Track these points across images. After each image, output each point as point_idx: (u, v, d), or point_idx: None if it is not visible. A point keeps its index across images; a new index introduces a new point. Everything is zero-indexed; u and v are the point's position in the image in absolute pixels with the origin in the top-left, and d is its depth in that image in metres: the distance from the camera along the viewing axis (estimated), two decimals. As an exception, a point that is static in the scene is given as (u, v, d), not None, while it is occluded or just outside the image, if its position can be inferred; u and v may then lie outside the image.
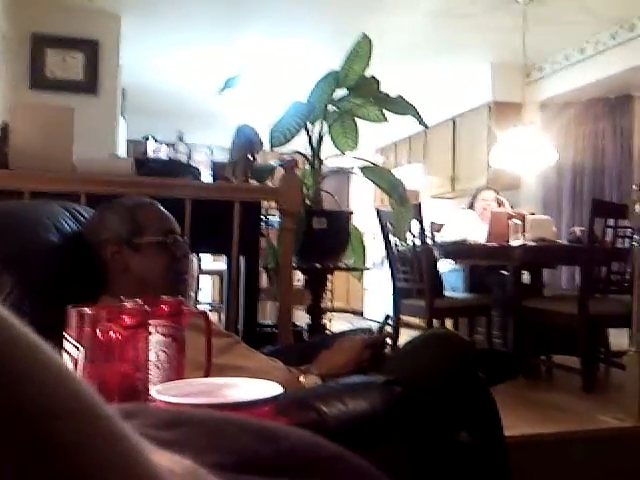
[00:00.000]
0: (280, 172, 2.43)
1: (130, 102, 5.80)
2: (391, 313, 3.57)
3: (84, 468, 0.23)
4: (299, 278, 3.27)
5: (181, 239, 1.41)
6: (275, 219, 2.87)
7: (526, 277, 3.87)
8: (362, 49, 2.94)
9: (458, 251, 4.00)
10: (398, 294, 3.76)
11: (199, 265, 4.93)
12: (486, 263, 4.07)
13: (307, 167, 3.04)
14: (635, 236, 2.78)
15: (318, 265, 2.87)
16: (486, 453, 1.39)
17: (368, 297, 7.03)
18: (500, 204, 4.54)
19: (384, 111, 3.07)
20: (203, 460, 0.31)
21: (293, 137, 2.88)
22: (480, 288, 4.02)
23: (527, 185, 5.65)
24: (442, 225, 4.66)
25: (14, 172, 2.04)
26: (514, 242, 3.60)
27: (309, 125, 2.96)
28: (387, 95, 2.91)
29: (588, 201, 4.17)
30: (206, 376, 0.94)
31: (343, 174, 4.46)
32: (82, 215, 1.47)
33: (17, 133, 2.14)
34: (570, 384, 3.20)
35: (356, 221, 3.36)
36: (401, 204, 2.90)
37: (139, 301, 0.88)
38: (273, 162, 3.00)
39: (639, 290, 2.58)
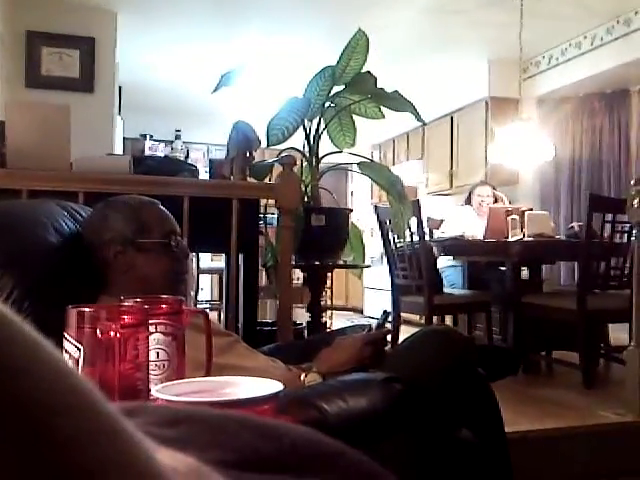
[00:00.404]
0: (278, 169, 2.42)
1: (127, 100, 5.79)
2: (390, 310, 3.57)
3: (85, 465, 0.22)
4: (298, 276, 3.26)
5: (181, 239, 1.41)
6: (273, 217, 2.86)
7: (525, 273, 3.87)
8: (359, 45, 2.93)
9: (456, 247, 4.00)
10: (397, 291, 3.76)
11: (198, 264, 4.92)
12: (485, 259, 4.07)
13: (305, 164, 3.04)
14: (633, 231, 2.78)
15: (317, 263, 2.86)
16: (487, 449, 1.39)
17: (368, 294, 7.03)
18: (497, 199, 4.54)
19: (381, 107, 3.07)
20: (205, 457, 0.31)
21: (291, 135, 2.87)
22: (479, 284, 4.03)
23: (525, 180, 5.66)
24: (441, 221, 4.67)
25: (11, 171, 2.04)
26: (512, 238, 3.60)
27: (306, 122, 2.96)
28: (384, 91, 2.90)
29: (586, 196, 4.17)
30: (207, 375, 0.94)
31: (341, 171, 4.45)
32: (80, 214, 1.46)
33: (14, 132, 2.13)
34: (570, 380, 3.20)
35: (355, 218, 3.36)
36: (399, 201, 2.89)
37: (139, 300, 0.88)
38: (271, 159, 2.99)
39: (638, 285, 2.58)
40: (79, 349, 0.71)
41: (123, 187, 1.92)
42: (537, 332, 3.54)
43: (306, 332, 2.87)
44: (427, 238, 3.71)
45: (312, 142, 2.98)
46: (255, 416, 0.40)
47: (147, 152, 7.10)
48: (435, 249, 3.97)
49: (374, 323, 1.56)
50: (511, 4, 4.39)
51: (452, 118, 6.15)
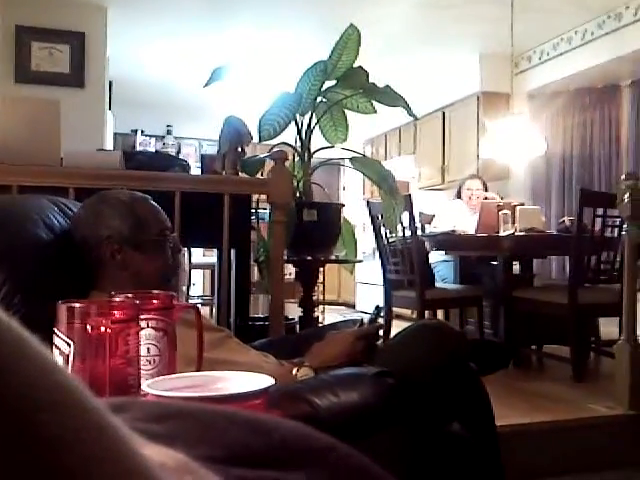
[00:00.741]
0: (270, 165, 2.42)
1: (117, 95, 5.76)
2: (382, 305, 3.58)
3: (70, 462, 0.22)
4: (290, 271, 3.26)
5: (173, 235, 1.41)
6: (265, 212, 2.86)
7: (516, 267, 3.89)
8: (351, 40, 2.93)
9: (448, 242, 4.01)
10: (389, 286, 3.77)
11: (190, 259, 4.91)
12: (476, 254, 4.09)
13: (297, 159, 3.03)
14: (624, 225, 2.79)
15: (309, 258, 2.86)
16: (478, 443, 1.40)
17: (360, 289, 7.04)
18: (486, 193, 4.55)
19: (373, 102, 3.07)
20: (194, 453, 0.31)
21: (282, 130, 2.86)
22: (470, 279, 4.04)
23: (516, 175, 5.67)
24: (432, 216, 4.67)
25: (1, 166, 2.02)
26: (503, 233, 3.62)
27: (298, 117, 2.95)
28: (376, 86, 2.90)
29: (577, 191, 4.19)
30: (198, 370, 0.94)
31: (333, 166, 4.45)
32: (70, 209, 1.45)
33: (3, 127, 2.12)
34: (561, 373, 3.22)
35: (347, 213, 3.36)
36: (391, 195, 2.89)
37: (129, 295, 0.88)
38: (262, 155, 2.99)
39: (628, 279, 2.60)
40: (69, 345, 0.71)
41: (114, 182, 1.91)
42: (528, 326, 3.56)
43: (298, 327, 2.87)
44: (419, 233, 3.72)
45: (304, 137, 2.98)
46: (244, 411, 0.40)
47: (138, 147, 7.08)
48: (427, 244, 3.98)
49: (366, 318, 1.56)
50: (502, -1, 4.40)
51: (444, 113, 6.16)
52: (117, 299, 0.85)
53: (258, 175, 2.95)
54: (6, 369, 0.22)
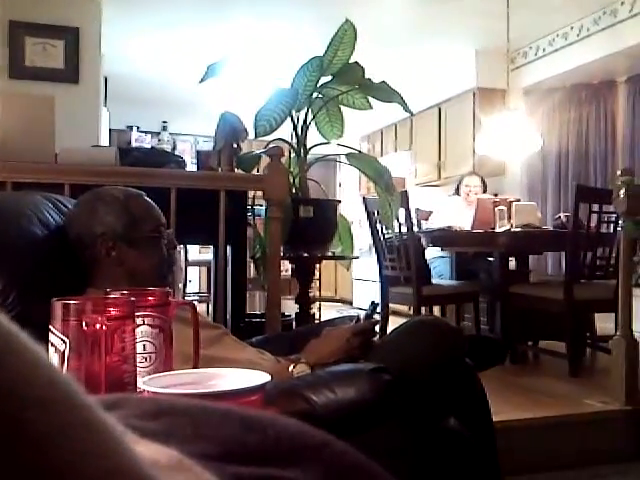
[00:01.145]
0: (266, 161, 2.41)
1: (113, 91, 5.74)
2: (378, 300, 3.58)
3: (57, 460, 0.22)
4: (287, 268, 3.26)
5: (169, 231, 1.40)
6: (261, 208, 2.85)
7: (512, 263, 3.89)
8: (346, 35, 2.92)
9: (444, 238, 4.01)
10: (386, 282, 3.77)
11: (186, 256, 4.90)
12: (472, 250, 4.09)
13: (293, 156, 3.03)
14: (620, 221, 2.80)
15: (305, 254, 2.86)
16: (475, 438, 1.40)
17: (356, 286, 7.04)
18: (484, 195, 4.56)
19: (369, 98, 3.06)
20: (188, 450, 0.31)
21: (278, 126, 2.86)
22: (467, 275, 4.05)
23: (512, 171, 5.68)
24: (429, 212, 4.68)
25: (-5, 163, 2.01)
26: (500, 229, 3.62)
27: (294, 113, 2.94)
28: (372, 82, 2.89)
29: (573, 187, 4.20)
30: (194, 368, 0.93)
31: (329, 162, 4.45)
32: (65, 206, 1.44)
33: (-3, 123, 2.11)
34: (557, 369, 3.23)
35: (343, 209, 3.36)
36: (387, 192, 2.89)
37: (125, 292, 0.87)
38: (258, 151, 2.98)
39: (624, 275, 2.60)
40: (65, 342, 0.71)
41: (109, 179, 1.90)
42: (524, 322, 3.57)
43: (294, 323, 2.87)
44: (415, 229, 3.72)
45: (300, 133, 2.97)
46: (239, 408, 0.40)
47: (133, 144, 7.06)
48: (423, 240, 3.98)
49: (362, 314, 1.56)
50: (499, -6, 4.39)
51: (440, 109, 6.15)
52: (113, 296, 0.85)
53: (254, 171, 2.95)
54: None
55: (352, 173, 7.16)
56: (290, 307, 3.06)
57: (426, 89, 6.16)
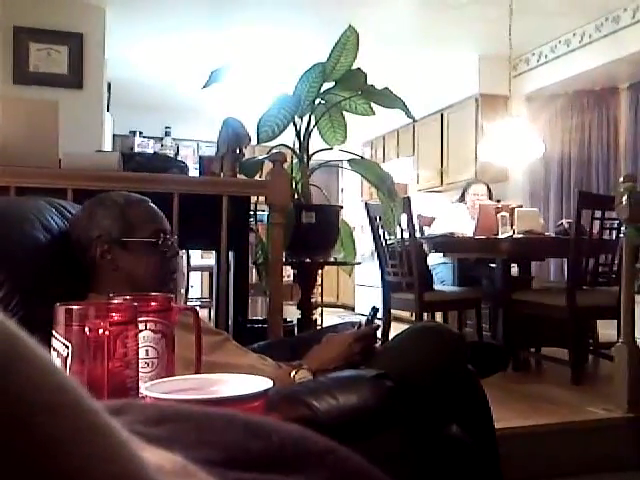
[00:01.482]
0: (268, 166, 2.41)
1: (116, 96, 5.75)
2: (379, 306, 3.57)
3: (66, 464, 0.22)
4: (289, 273, 3.26)
5: (171, 238, 1.40)
6: (264, 214, 2.86)
7: (515, 270, 3.89)
8: (349, 42, 2.93)
9: (447, 244, 4.01)
10: (388, 288, 3.77)
11: (188, 261, 4.91)
12: (475, 256, 4.09)
13: (295, 161, 3.03)
14: (622, 228, 2.79)
15: (308, 260, 2.86)
16: (477, 445, 1.39)
17: (358, 291, 7.04)
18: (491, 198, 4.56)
19: (372, 104, 3.07)
20: (192, 456, 0.31)
21: (281, 132, 2.86)
22: (469, 281, 4.04)
23: (515, 177, 5.68)
24: (433, 218, 4.67)
25: (-1, 168, 2.02)
26: (502, 235, 3.62)
27: (297, 119, 2.95)
28: (375, 88, 2.90)
29: (575, 193, 4.20)
30: (196, 373, 0.94)
31: (331, 168, 4.46)
32: (68, 211, 1.45)
33: (1, 128, 2.12)
34: (559, 376, 3.22)
35: (345, 215, 3.36)
36: (389, 197, 2.89)
37: (128, 297, 0.87)
38: (261, 156, 2.99)
39: (626, 282, 2.60)
40: (67, 347, 0.71)
41: (112, 184, 1.91)
42: (527, 328, 3.56)
43: (296, 329, 2.87)
44: (417, 235, 3.71)
45: (302, 139, 2.98)
46: (243, 414, 0.40)
47: (136, 149, 7.06)
48: (425, 246, 3.97)
49: (363, 320, 1.56)
50: (501, 1, 4.40)
51: (442, 115, 6.16)
52: (115, 301, 0.85)
53: (257, 177, 2.95)
54: (4, 367, 0.22)
55: (354, 179, 7.16)
56: (292, 313, 3.06)
57: (429, 95, 6.17)
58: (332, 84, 2.98)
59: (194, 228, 2.10)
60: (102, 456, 0.23)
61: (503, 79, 5.01)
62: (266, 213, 2.59)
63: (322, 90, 2.97)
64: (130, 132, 7.22)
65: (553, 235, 3.91)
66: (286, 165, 2.47)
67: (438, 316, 4.11)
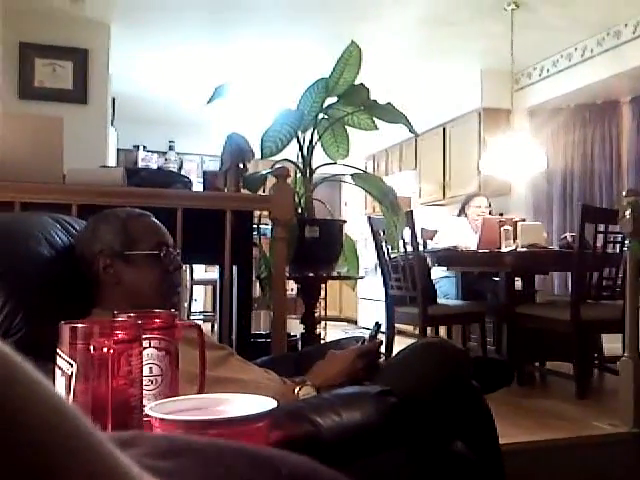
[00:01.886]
0: (272, 181, 2.42)
1: (120, 111, 5.79)
2: (382, 320, 3.57)
3: None
4: (292, 287, 3.26)
5: (174, 251, 1.40)
6: (267, 228, 2.86)
7: (518, 283, 3.88)
8: (352, 57, 2.95)
9: (450, 258, 4.01)
10: (391, 302, 3.76)
11: (191, 275, 4.91)
12: (478, 270, 4.08)
13: (298, 176, 3.04)
14: (626, 241, 2.79)
15: (311, 274, 2.86)
16: (482, 462, 1.38)
17: (362, 305, 7.02)
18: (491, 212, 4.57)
19: (374, 119, 3.08)
20: None
21: (285, 146, 2.88)
22: (472, 295, 4.03)
23: (517, 191, 5.68)
24: (435, 232, 4.67)
25: (4, 183, 2.02)
26: (505, 248, 3.61)
27: (300, 134, 2.97)
28: (377, 103, 2.92)
29: (578, 207, 4.19)
30: (200, 390, 0.93)
31: (335, 182, 4.47)
32: (73, 227, 1.45)
33: (6, 144, 2.13)
34: (564, 390, 3.20)
35: (348, 229, 3.36)
36: (392, 211, 2.90)
37: (132, 315, 0.87)
38: (264, 171, 3.00)
39: (631, 295, 2.59)
40: (72, 365, 0.71)
41: (116, 199, 1.91)
42: (531, 343, 3.55)
43: (300, 344, 2.86)
44: (421, 249, 3.71)
45: (306, 154, 2.99)
46: (251, 446, 0.40)
47: (140, 163, 7.10)
48: (429, 260, 3.97)
49: (367, 335, 1.55)
50: (503, 16, 4.44)
51: (445, 129, 6.18)
52: (119, 319, 0.85)
53: (260, 191, 2.96)
54: (23, 410, 0.22)
55: (357, 193, 7.16)
56: (295, 327, 3.05)
57: (431, 109, 6.20)
58: (335, 99, 3.00)
59: (198, 243, 2.10)
60: None
61: (505, 93, 5.03)
62: (269, 227, 2.59)
63: (325, 105, 2.98)
64: (134, 146, 7.25)
65: (557, 249, 3.91)
66: (289, 180, 2.47)
67: (442, 330, 4.10)
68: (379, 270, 3.87)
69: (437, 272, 4.26)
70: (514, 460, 1.93)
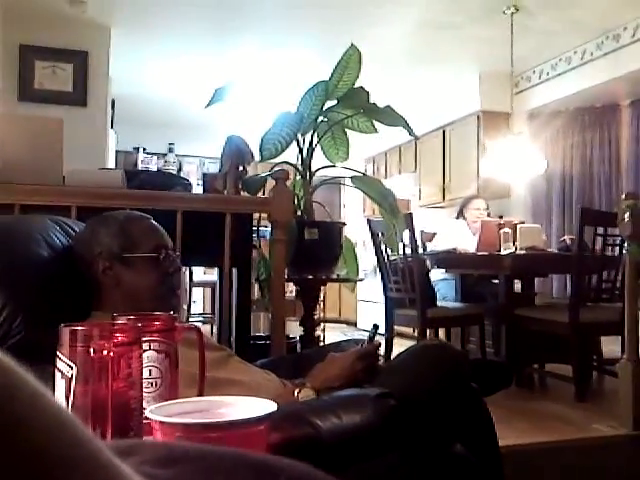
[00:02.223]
0: (271, 183, 2.42)
1: (120, 113, 5.80)
2: (381, 323, 3.56)
3: None
4: (291, 289, 3.25)
5: (173, 254, 1.40)
6: (267, 230, 2.86)
7: (517, 286, 3.88)
8: (351, 60, 2.95)
9: (449, 260, 4.01)
10: (390, 304, 3.76)
11: (190, 277, 4.91)
12: (477, 272, 4.08)
13: (298, 178, 3.04)
14: (624, 244, 2.79)
15: (310, 276, 2.86)
16: (481, 464, 1.38)
17: (361, 307, 7.02)
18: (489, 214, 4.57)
19: (374, 122, 3.08)
20: None
21: (284, 149, 2.88)
22: (471, 297, 4.03)
23: (517, 194, 5.69)
24: (434, 234, 4.68)
25: (3, 185, 2.02)
26: (504, 251, 3.62)
27: (300, 136, 2.97)
28: (377, 106, 2.92)
29: (577, 209, 4.20)
30: (200, 391, 0.93)
31: (334, 184, 4.48)
32: (72, 229, 1.45)
33: (5, 145, 2.13)
34: (563, 393, 3.20)
35: (347, 231, 3.36)
36: (392, 214, 2.90)
37: (132, 317, 0.87)
38: (264, 173, 3.00)
39: (630, 298, 2.59)
40: (72, 368, 0.71)
41: (116, 201, 1.91)
42: (530, 345, 3.55)
43: (299, 346, 2.86)
44: (420, 251, 3.71)
45: (305, 156, 2.99)
46: (251, 453, 0.40)
47: (140, 165, 7.10)
48: (428, 262, 3.97)
49: (366, 337, 1.55)
50: (502, 19, 4.44)
51: (444, 132, 6.19)
52: (119, 321, 0.85)
53: (259, 194, 2.96)
54: (25, 420, 0.22)
55: (356, 195, 7.18)
56: (295, 329, 3.05)
57: (430, 112, 6.21)
58: (335, 102, 3.00)
59: (197, 245, 2.10)
60: None
61: (505, 96, 5.04)
62: (269, 230, 2.60)
63: (325, 108, 2.99)
64: (134, 148, 7.26)
65: (556, 251, 3.91)
66: (289, 182, 2.48)
67: (441, 333, 4.10)
68: (378, 272, 3.87)
69: (436, 274, 4.26)
70: (513, 462, 1.93)
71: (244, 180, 2.70)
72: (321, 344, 2.96)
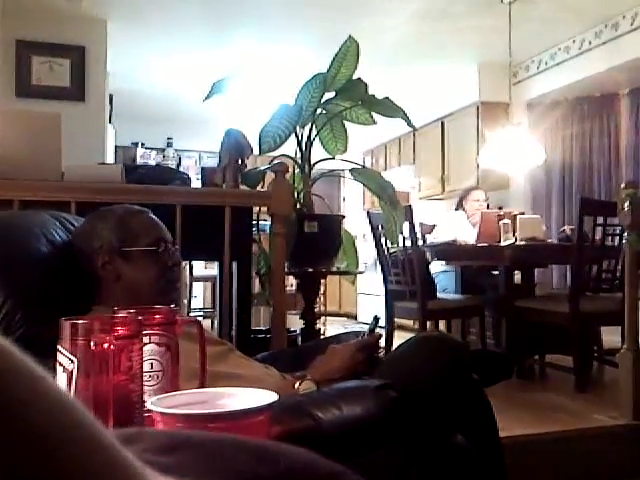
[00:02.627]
0: (270, 177, 2.42)
1: (118, 108, 5.78)
2: (382, 315, 3.57)
3: None
4: (292, 282, 3.26)
5: (172, 247, 1.40)
6: (266, 224, 2.86)
7: (517, 277, 3.88)
8: (349, 52, 2.95)
9: (449, 252, 4.01)
10: (391, 296, 3.77)
11: (191, 272, 4.91)
12: (477, 264, 4.08)
13: (297, 171, 3.04)
14: (624, 234, 2.79)
15: (310, 269, 2.86)
16: (482, 455, 1.39)
17: (361, 300, 7.03)
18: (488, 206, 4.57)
19: (372, 114, 3.08)
20: None
21: (283, 142, 2.87)
22: (471, 289, 4.04)
23: (516, 185, 5.68)
24: (433, 226, 4.68)
25: (2, 181, 2.02)
26: (504, 242, 3.62)
27: (298, 129, 2.96)
28: (375, 98, 2.92)
29: (577, 199, 4.19)
30: (201, 385, 0.94)
31: (333, 177, 4.48)
32: (72, 224, 1.45)
33: (4, 141, 2.13)
34: (564, 383, 3.21)
35: (347, 224, 3.36)
36: (391, 206, 2.90)
37: (132, 311, 0.88)
38: (263, 167, 3.00)
39: (630, 288, 2.59)
40: (73, 361, 0.71)
41: (115, 196, 1.91)
42: (530, 336, 3.56)
43: (300, 339, 2.86)
44: (420, 243, 3.71)
45: (304, 149, 2.99)
46: (251, 439, 0.40)
47: (139, 160, 7.09)
48: (428, 254, 3.97)
49: (367, 329, 1.56)
50: (500, 9, 4.42)
51: (443, 123, 6.18)
52: (120, 315, 0.86)
53: (259, 187, 2.96)
54: (25, 402, 0.22)
55: (356, 188, 7.17)
56: (295, 322, 3.06)
57: (429, 103, 6.19)
58: (333, 94, 3.00)
59: (197, 239, 2.10)
60: None
61: (503, 86, 5.02)
62: (268, 223, 2.60)
63: (323, 100, 2.98)
64: (132, 143, 7.24)
65: (555, 242, 3.91)
66: (288, 175, 2.48)
67: (442, 324, 4.10)
68: (378, 265, 3.87)
69: (436, 266, 4.26)
70: (514, 453, 1.94)
71: (243, 173, 2.69)
72: (322, 337, 2.96)
